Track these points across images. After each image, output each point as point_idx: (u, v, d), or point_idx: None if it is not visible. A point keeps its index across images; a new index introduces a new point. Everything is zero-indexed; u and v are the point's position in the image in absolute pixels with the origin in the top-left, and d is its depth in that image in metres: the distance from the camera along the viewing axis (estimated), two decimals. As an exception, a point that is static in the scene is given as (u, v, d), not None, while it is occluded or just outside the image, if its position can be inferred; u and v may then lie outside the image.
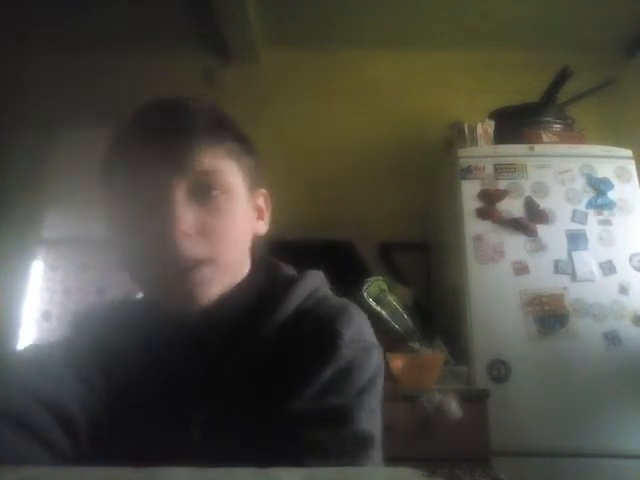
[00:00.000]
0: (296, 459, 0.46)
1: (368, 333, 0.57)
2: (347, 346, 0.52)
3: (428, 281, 2.35)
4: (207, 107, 0.60)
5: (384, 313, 1.90)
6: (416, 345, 1.81)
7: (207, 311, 0.54)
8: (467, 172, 1.94)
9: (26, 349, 0.58)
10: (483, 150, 2.01)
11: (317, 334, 0.54)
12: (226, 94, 2.64)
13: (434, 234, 2.33)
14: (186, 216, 0.51)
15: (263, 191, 0.66)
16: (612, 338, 1.72)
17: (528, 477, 1.56)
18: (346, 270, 2.18)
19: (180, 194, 0.52)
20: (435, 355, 1.75)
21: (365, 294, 1.90)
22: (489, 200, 1.89)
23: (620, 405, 1.65)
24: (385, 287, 1.98)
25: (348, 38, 2.63)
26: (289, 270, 0.66)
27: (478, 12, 2.41)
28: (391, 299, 1.95)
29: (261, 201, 0.66)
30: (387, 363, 1.69)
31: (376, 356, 0.55)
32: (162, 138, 0.53)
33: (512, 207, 1.89)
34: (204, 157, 0.54)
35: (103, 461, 0.33)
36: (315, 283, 0.62)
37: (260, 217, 0.65)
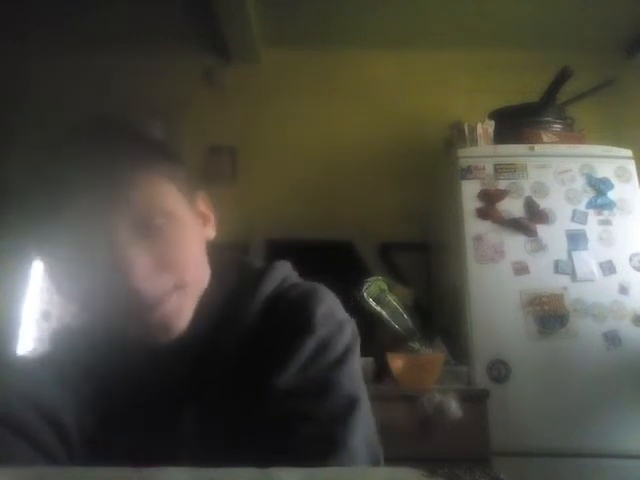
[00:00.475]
0: (289, 433, 0.48)
1: (339, 310, 0.60)
2: (320, 323, 0.55)
3: (428, 281, 2.35)
4: (126, 129, 0.56)
5: (384, 313, 1.90)
6: (416, 345, 1.81)
7: (181, 335, 0.54)
8: (467, 172, 1.94)
9: (17, 358, 0.58)
10: (483, 150, 2.01)
11: (291, 316, 0.56)
12: (226, 94, 2.64)
13: (434, 234, 2.33)
14: (138, 257, 0.49)
15: (201, 194, 0.63)
16: (612, 338, 1.72)
17: (528, 477, 1.56)
18: (346, 270, 2.19)
19: (125, 234, 0.49)
20: (435, 355, 1.75)
21: (365, 294, 1.90)
22: (489, 200, 1.89)
23: (620, 405, 1.65)
24: (385, 287, 1.98)
25: (348, 38, 2.63)
26: (257, 263, 0.67)
27: (478, 12, 2.41)
28: (391, 299, 1.95)
29: (202, 206, 0.62)
30: (387, 363, 1.70)
31: (349, 328, 0.58)
32: (89, 177, 0.48)
33: (512, 207, 1.89)
34: (137, 188, 0.50)
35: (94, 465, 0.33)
36: (284, 271, 0.64)
37: (206, 222, 0.63)
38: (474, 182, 1.93)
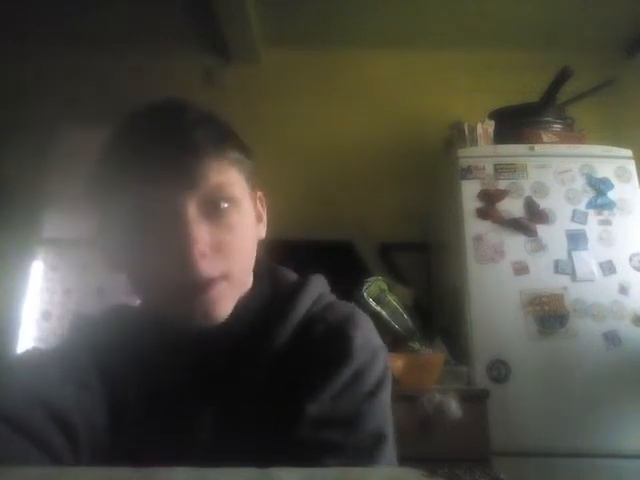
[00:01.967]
0: (313, 460, 0.47)
1: (374, 336, 0.60)
2: (357, 351, 0.54)
3: (428, 281, 2.35)
4: (207, 114, 0.57)
5: (384, 313, 1.90)
6: (416, 345, 1.81)
7: (219, 325, 0.54)
8: (467, 172, 1.94)
9: (26, 352, 0.57)
10: (483, 150, 2.01)
11: (329, 341, 0.55)
12: (226, 94, 2.64)
13: (434, 234, 2.33)
14: (201, 235, 0.50)
15: (259, 193, 0.64)
16: (612, 338, 1.72)
17: (528, 477, 1.56)
18: (346, 270, 2.18)
19: (192, 211, 0.51)
20: (435, 355, 1.75)
21: (365, 294, 1.90)
22: (489, 200, 1.89)
23: (620, 405, 1.65)
24: (385, 287, 1.98)
25: (348, 38, 2.63)
26: (291, 275, 0.66)
27: (478, 12, 2.41)
28: (391, 299, 1.95)
29: (258, 204, 0.64)
30: (387, 363, 1.69)
31: (383, 358, 0.58)
32: (168, 152, 0.50)
33: (512, 207, 1.89)
34: (213, 171, 0.52)
35: (103, 465, 0.32)
36: (320, 288, 0.63)
37: (259, 220, 0.63)
38: (474, 182, 1.93)
